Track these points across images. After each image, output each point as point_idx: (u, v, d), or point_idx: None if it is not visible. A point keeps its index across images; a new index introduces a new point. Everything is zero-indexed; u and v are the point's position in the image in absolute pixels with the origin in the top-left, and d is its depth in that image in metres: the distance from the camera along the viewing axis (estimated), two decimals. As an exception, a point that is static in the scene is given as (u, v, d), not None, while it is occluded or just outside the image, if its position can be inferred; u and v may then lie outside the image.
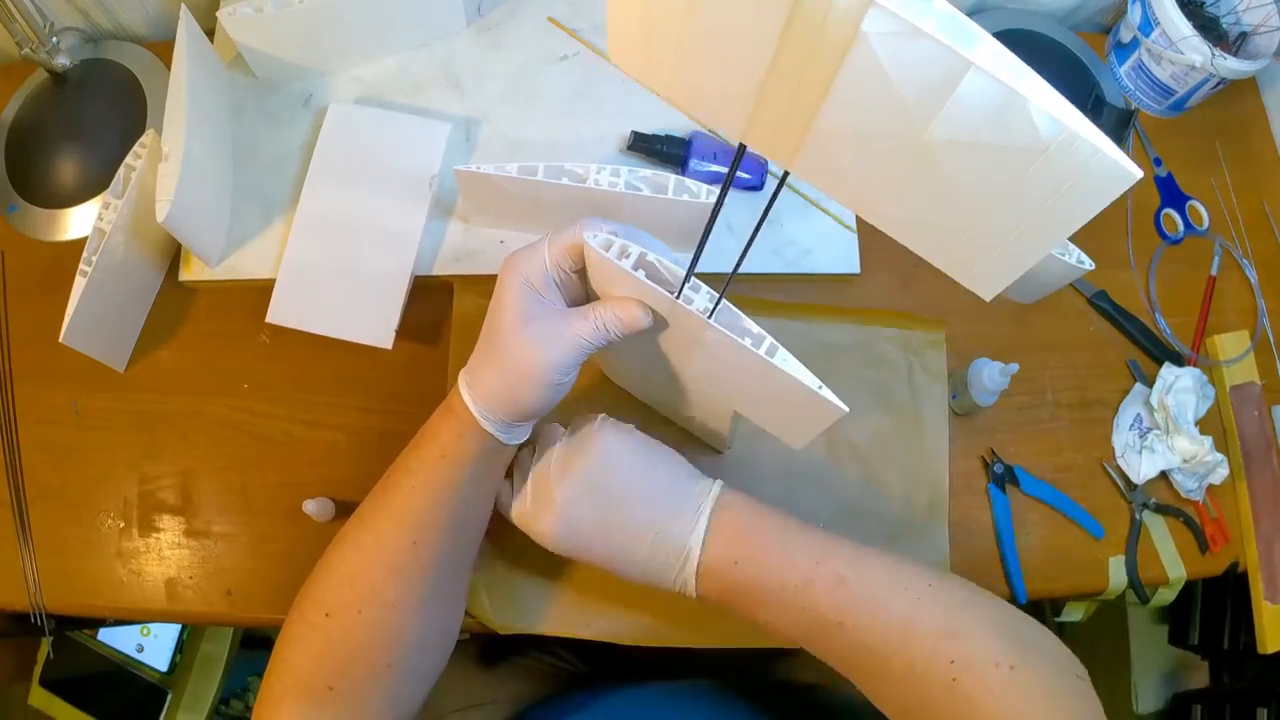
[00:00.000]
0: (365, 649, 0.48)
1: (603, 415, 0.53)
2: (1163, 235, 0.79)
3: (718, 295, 0.46)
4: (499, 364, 0.48)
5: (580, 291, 0.52)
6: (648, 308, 0.48)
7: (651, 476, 0.51)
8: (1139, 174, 0.27)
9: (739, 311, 0.47)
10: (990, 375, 0.65)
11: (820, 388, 0.45)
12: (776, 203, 0.71)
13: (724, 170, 0.69)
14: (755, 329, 0.47)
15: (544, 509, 0.51)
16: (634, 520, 0.50)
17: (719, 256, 0.69)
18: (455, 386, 0.51)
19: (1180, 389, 0.71)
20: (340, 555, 0.50)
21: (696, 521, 0.49)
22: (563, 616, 0.62)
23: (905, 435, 0.66)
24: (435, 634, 0.52)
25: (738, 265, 0.42)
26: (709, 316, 0.46)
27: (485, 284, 0.68)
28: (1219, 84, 0.77)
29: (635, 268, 0.47)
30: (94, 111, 0.72)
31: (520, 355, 0.47)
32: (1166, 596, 0.71)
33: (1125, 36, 0.81)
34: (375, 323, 0.64)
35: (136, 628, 1.01)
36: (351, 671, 0.47)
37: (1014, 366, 0.67)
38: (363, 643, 0.48)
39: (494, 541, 0.63)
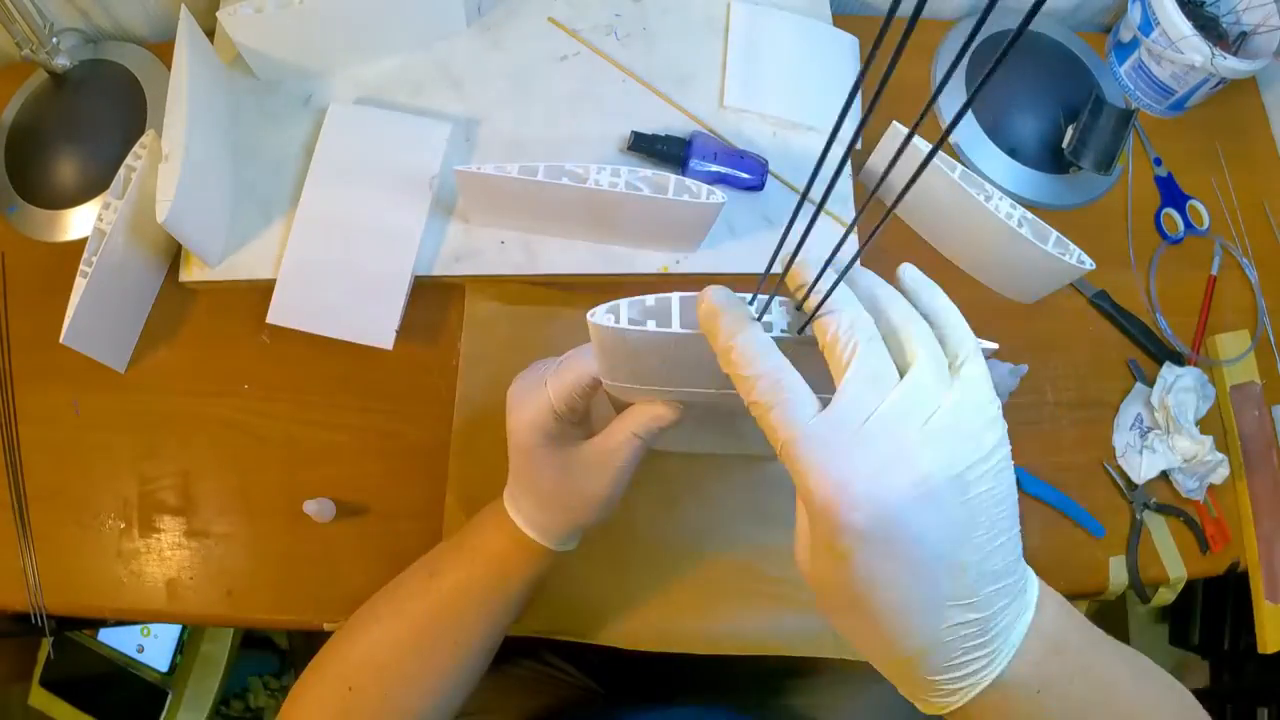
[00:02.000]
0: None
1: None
2: (1163, 235, 0.79)
3: (795, 305, 0.35)
4: (547, 503, 0.48)
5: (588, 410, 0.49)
6: (673, 404, 0.43)
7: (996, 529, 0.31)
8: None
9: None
10: (999, 376, 0.65)
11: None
12: (776, 202, 0.71)
13: (724, 170, 0.69)
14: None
15: (879, 477, 0.28)
16: (956, 579, 0.30)
17: (719, 257, 0.69)
18: (499, 506, 0.51)
19: (1180, 389, 0.71)
20: (370, 640, 0.51)
21: (1017, 620, 0.32)
22: (567, 620, 0.61)
23: None
24: (456, 703, 0.53)
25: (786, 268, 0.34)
26: (801, 330, 0.34)
27: (494, 284, 0.68)
28: (1219, 84, 0.77)
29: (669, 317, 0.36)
30: (94, 112, 0.72)
31: (568, 495, 0.47)
32: (1167, 596, 0.71)
33: (1125, 36, 0.81)
34: (375, 323, 0.64)
35: (136, 628, 1.01)
36: None
37: (1023, 368, 0.67)
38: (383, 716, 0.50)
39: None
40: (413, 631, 0.50)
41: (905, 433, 0.29)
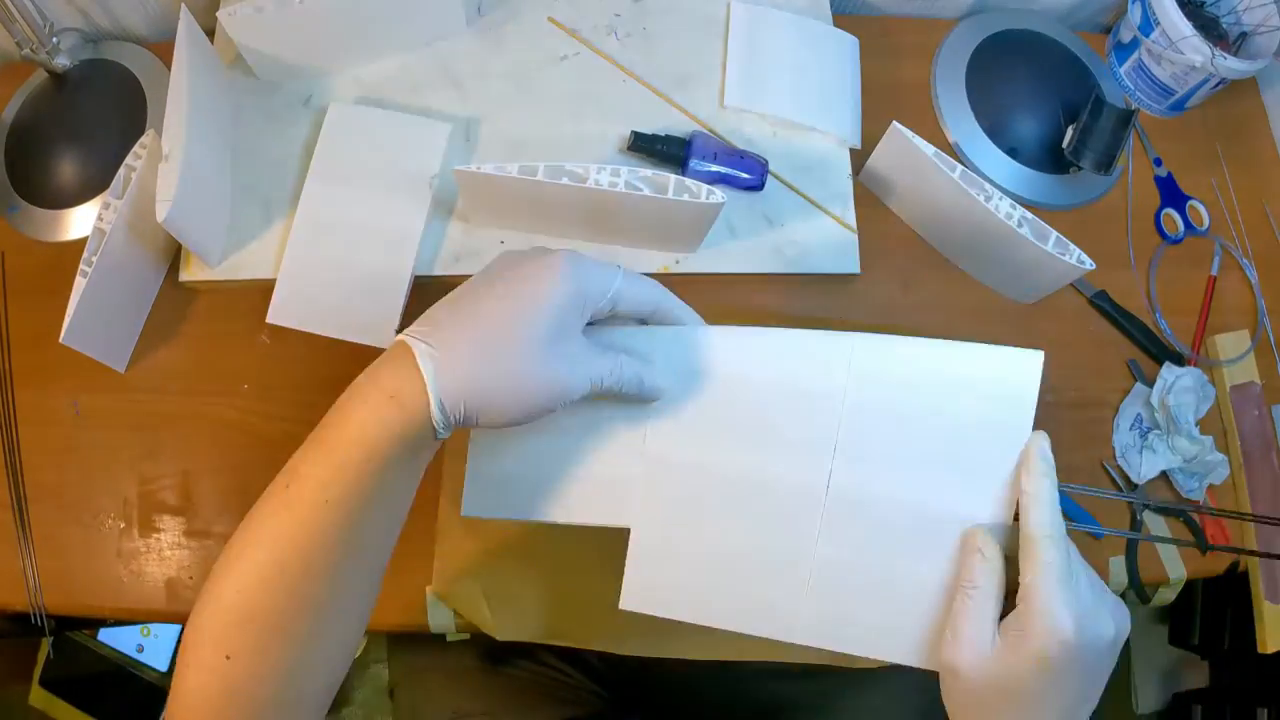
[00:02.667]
0: (272, 692, 0.42)
1: None
2: (1163, 235, 0.79)
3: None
4: (498, 360, 0.41)
5: None
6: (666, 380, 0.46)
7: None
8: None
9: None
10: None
11: None
12: (776, 202, 0.71)
13: (724, 170, 0.69)
14: None
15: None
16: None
17: (720, 257, 0.69)
18: (394, 354, 0.42)
19: (1180, 389, 0.71)
20: (237, 582, 0.41)
21: None
22: (566, 628, 0.61)
23: None
24: (344, 652, 0.46)
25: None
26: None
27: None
28: (1219, 84, 0.77)
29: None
30: (94, 112, 0.72)
31: (538, 371, 0.41)
32: (1166, 596, 0.71)
33: (1125, 36, 0.81)
34: (375, 323, 0.64)
35: (137, 628, 1.01)
36: (257, 714, 0.42)
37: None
38: (269, 685, 0.42)
39: (497, 548, 0.63)
40: (277, 561, 0.41)
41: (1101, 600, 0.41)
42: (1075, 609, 0.39)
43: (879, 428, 0.44)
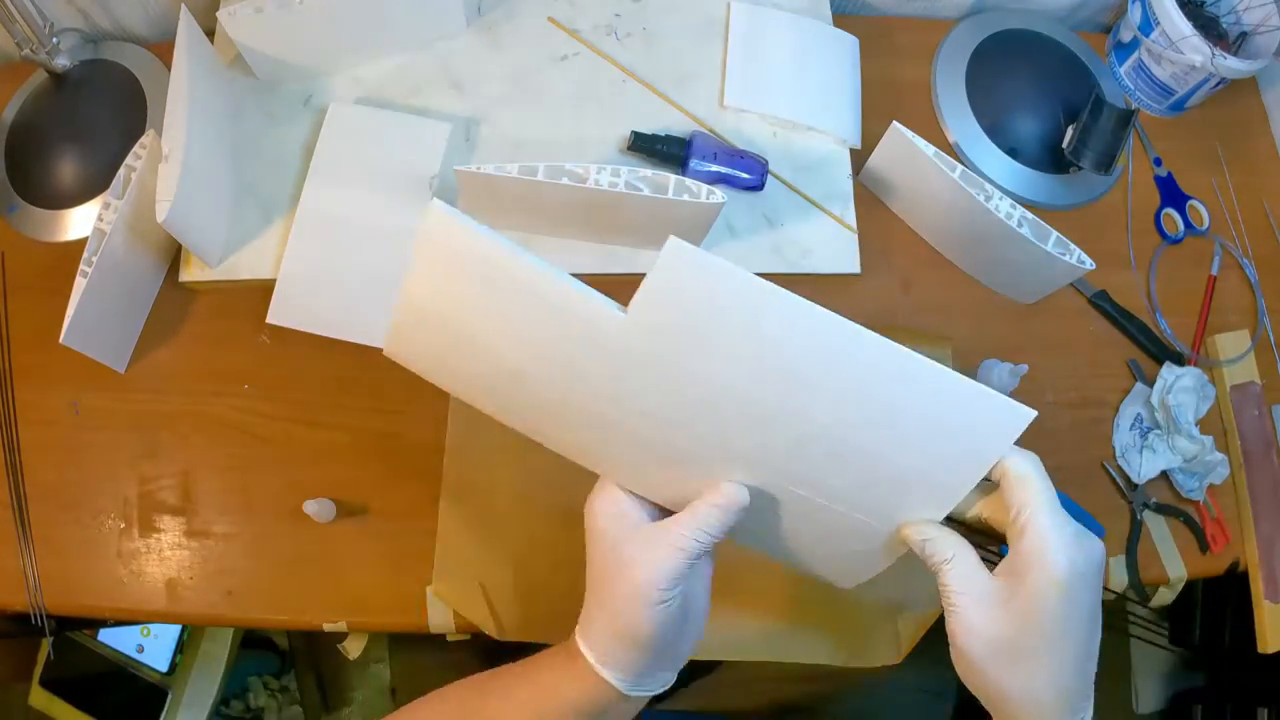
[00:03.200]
0: None
1: None
2: (1163, 235, 0.79)
3: None
4: (604, 604, 0.43)
5: None
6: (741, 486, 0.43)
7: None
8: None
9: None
10: (1000, 376, 0.65)
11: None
12: (776, 202, 0.71)
13: (724, 170, 0.69)
14: None
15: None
16: (1095, 640, 0.42)
17: (720, 257, 0.69)
18: (571, 643, 0.45)
19: (1180, 389, 0.71)
20: None
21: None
22: (568, 627, 0.61)
23: None
24: None
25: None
26: None
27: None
28: (1219, 84, 0.77)
29: None
30: (94, 112, 0.72)
31: (617, 583, 0.42)
32: (1167, 596, 0.71)
33: (1125, 36, 0.81)
34: (375, 323, 0.64)
35: (136, 628, 1.01)
36: None
37: (1023, 368, 0.67)
38: None
39: (500, 548, 0.63)
40: None
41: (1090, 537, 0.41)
42: (1073, 529, 0.39)
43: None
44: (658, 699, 0.72)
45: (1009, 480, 0.40)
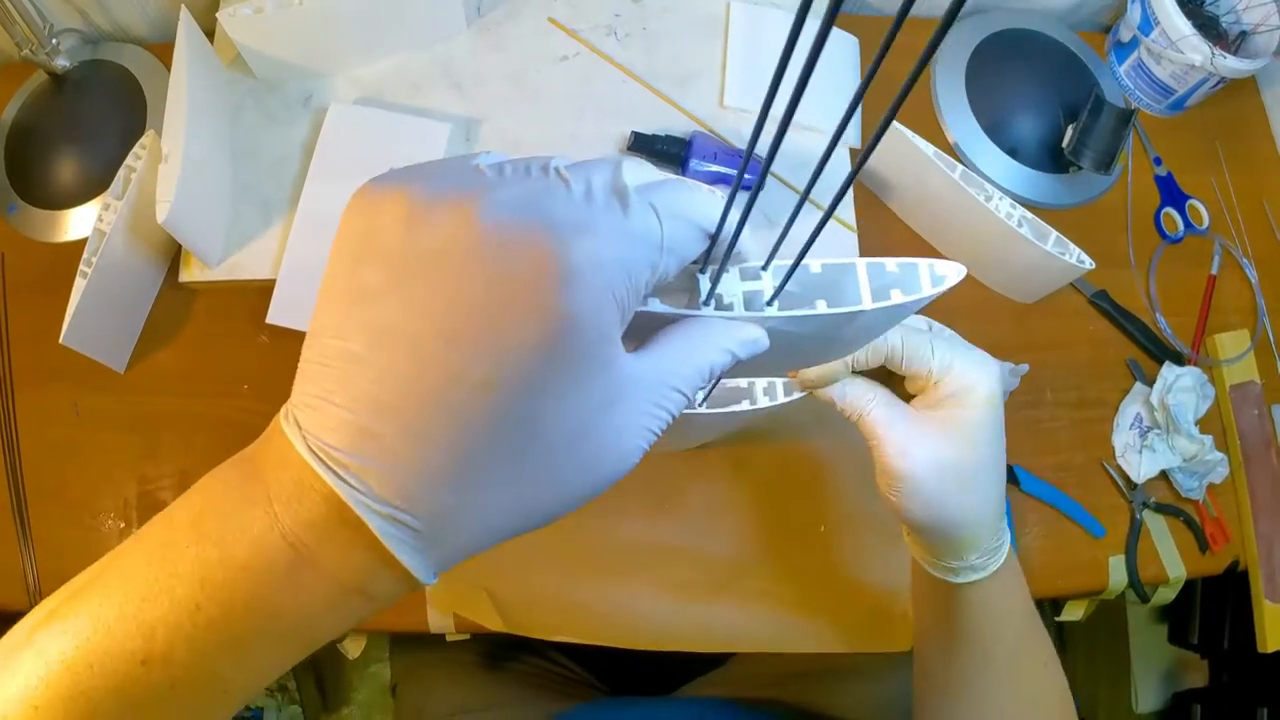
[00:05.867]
0: None
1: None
2: (1163, 234, 0.79)
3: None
4: (509, 489, 0.25)
5: None
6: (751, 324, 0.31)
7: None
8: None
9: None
10: (1000, 375, 0.65)
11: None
12: (777, 202, 0.71)
13: (725, 170, 0.69)
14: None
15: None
16: (1001, 467, 0.44)
17: (719, 256, 0.69)
18: (332, 524, 0.24)
19: (1180, 388, 0.71)
20: None
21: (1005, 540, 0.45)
22: (570, 620, 0.62)
23: None
24: None
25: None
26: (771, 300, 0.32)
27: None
28: (1219, 83, 0.77)
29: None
30: (94, 112, 0.72)
31: (589, 434, 0.25)
32: (1166, 596, 0.71)
33: (1125, 36, 0.81)
34: (375, 323, 0.64)
35: (137, 628, 1.01)
36: None
37: (1024, 367, 0.67)
38: None
39: (500, 546, 0.63)
40: None
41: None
42: (982, 354, 0.42)
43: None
44: (654, 690, 0.72)
45: (919, 333, 0.42)
